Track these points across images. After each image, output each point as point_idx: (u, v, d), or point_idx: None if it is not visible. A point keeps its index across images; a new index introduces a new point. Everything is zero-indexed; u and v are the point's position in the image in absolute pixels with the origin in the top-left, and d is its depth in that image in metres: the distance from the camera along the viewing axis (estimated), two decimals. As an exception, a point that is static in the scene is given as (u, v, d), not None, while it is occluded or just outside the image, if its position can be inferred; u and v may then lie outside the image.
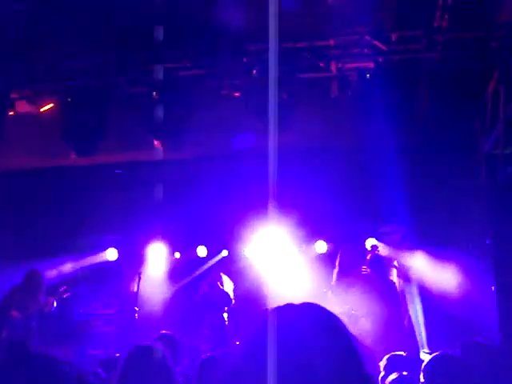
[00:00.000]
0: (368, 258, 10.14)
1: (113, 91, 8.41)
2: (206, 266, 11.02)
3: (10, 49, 8.18)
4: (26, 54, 8.36)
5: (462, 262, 9.51)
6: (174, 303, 10.97)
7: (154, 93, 8.02)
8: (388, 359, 6.42)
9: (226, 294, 10.31)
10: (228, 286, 10.44)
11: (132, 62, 8.24)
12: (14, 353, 2.58)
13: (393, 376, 5.42)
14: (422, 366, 4.39)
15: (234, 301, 10.34)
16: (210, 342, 9.84)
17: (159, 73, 8.08)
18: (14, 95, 8.78)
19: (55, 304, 9.41)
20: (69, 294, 9.59)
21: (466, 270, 9.49)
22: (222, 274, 10.54)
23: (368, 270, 10.00)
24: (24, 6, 7.55)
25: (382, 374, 6.15)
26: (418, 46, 7.91)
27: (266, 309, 1.71)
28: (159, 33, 7.38)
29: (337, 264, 10.39)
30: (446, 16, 7.71)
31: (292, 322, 1.63)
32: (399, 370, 5.63)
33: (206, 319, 10.20)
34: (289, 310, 1.68)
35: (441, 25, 7.83)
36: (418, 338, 9.82)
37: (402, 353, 6.83)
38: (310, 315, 1.69)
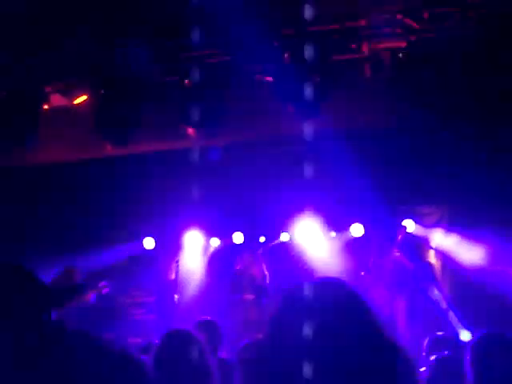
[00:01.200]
0: (399, 238, 10.11)
1: (145, 81, 8.45)
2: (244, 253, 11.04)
3: (42, 42, 8.26)
4: (58, 47, 8.43)
5: (500, 244, 9.42)
6: (212, 288, 11.05)
7: (186, 81, 8.03)
8: (428, 341, 6.41)
9: (264, 274, 10.31)
10: (264, 267, 10.45)
11: (163, 50, 8.25)
12: (55, 333, 2.64)
13: (434, 357, 5.40)
14: (470, 345, 4.36)
15: (268, 282, 10.34)
16: (245, 324, 9.88)
17: (189, 61, 8.09)
18: (47, 89, 8.87)
19: (93, 298, 9.53)
20: (108, 289, 9.69)
21: (504, 252, 9.40)
22: (257, 255, 10.56)
23: (398, 252, 9.99)
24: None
25: (424, 354, 6.14)
26: (452, 23, 7.79)
27: (291, 285, 1.79)
28: (188, 21, 7.38)
29: (373, 247, 10.38)
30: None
31: (314, 299, 1.69)
32: (440, 350, 5.62)
33: (241, 300, 10.21)
34: (311, 288, 1.74)
35: (474, 1, 7.69)
36: (455, 319, 9.78)
37: (442, 333, 6.81)
38: (331, 292, 1.74)
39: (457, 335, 8.58)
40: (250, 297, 10.13)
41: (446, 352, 5.48)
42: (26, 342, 2.37)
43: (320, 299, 1.70)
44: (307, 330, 1.63)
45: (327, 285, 1.77)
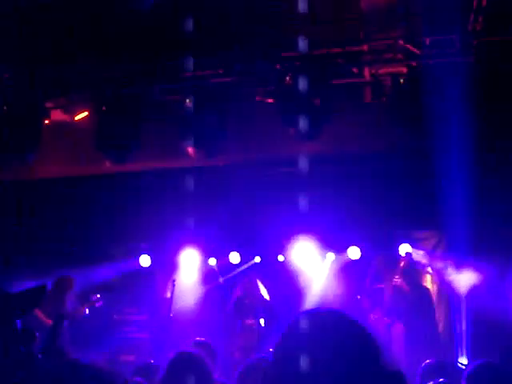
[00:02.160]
0: (401, 265, 10.08)
1: (146, 99, 8.48)
2: (238, 272, 11.02)
3: (45, 58, 8.30)
4: (61, 63, 8.47)
5: (498, 268, 9.40)
6: (208, 309, 11.00)
7: (188, 100, 8.06)
8: (424, 367, 6.36)
9: (263, 299, 10.30)
10: (264, 291, 10.42)
11: (165, 69, 8.30)
12: (60, 361, 2.63)
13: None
14: (465, 374, 4.34)
15: (270, 306, 10.31)
16: (244, 349, 9.84)
17: (191, 81, 8.13)
18: (49, 104, 8.91)
19: (87, 311, 9.49)
20: (101, 302, 9.66)
21: (502, 277, 9.38)
22: (257, 279, 10.54)
23: (399, 279, 9.95)
24: (57, 16, 7.66)
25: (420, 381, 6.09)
26: (452, 49, 7.85)
27: (295, 315, 1.82)
28: (191, 41, 7.43)
29: (370, 271, 10.34)
30: (480, 19, 7.64)
31: (319, 330, 1.73)
32: (436, 378, 5.57)
33: (241, 325, 10.19)
34: (316, 318, 1.78)
35: (475, 28, 7.76)
36: (455, 344, 9.72)
37: (438, 360, 6.75)
38: (336, 322, 1.77)
39: (453, 362, 8.53)
40: (250, 322, 10.10)
41: (441, 379, 5.44)
42: None
43: (326, 332, 1.72)
44: (311, 362, 1.65)
45: (333, 317, 1.78)
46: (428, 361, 6.38)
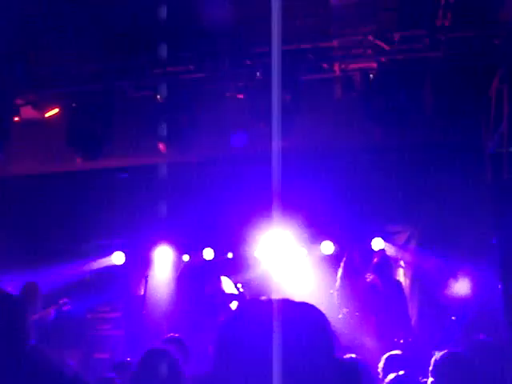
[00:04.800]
0: (374, 261, 10.15)
1: (117, 95, 8.45)
2: (210, 269, 11.02)
3: (14, 54, 8.23)
4: (30, 60, 8.41)
5: (468, 261, 9.51)
6: (181, 306, 10.98)
7: (158, 96, 8.05)
8: (385, 360, 6.39)
9: (228, 295, 10.33)
10: (229, 287, 10.46)
11: (135, 66, 8.27)
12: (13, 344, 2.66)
13: (391, 376, 5.42)
14: (431, 364, 4.40)
15: (237, 301, 10.32)
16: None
17: (162, 76, 8.11)
18: (19, 101, 8.82)
19: (53, 313, 9.40)
20: (69, 306, 9.58)
21: (472, 269, 9.49)
22: (222, 276, 10.56)
23: (371, 276, 10.01)
24: (27, 11, 7.60)
25: (381, 375, 6.11)
26: (421, 45, 7.92)
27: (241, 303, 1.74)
28: (162, 37, 7.42)
29: (341, 265, 10.39)
30: (449, 15, 7.72)
31: (266, 315, 1.64)
32: (397, 370, 5.62)
33: (210, 321, 10.19)
34: (264, 304, 1.70)
35: (443, 24, 7.84)
36: (427, 338, 9.81)
37: (398, 352, 6.79)
38: (285, 308, 1.69)
39: (416, 354, 8.60)
40: (214, 316, 10.12)
41: (401, 372, 5.47)
42: None
43: (273, 318, 1.64)
44: (255, 347, 1.60)
45: (282, 304, 1.70)
46: (390, 353, 6.43)
